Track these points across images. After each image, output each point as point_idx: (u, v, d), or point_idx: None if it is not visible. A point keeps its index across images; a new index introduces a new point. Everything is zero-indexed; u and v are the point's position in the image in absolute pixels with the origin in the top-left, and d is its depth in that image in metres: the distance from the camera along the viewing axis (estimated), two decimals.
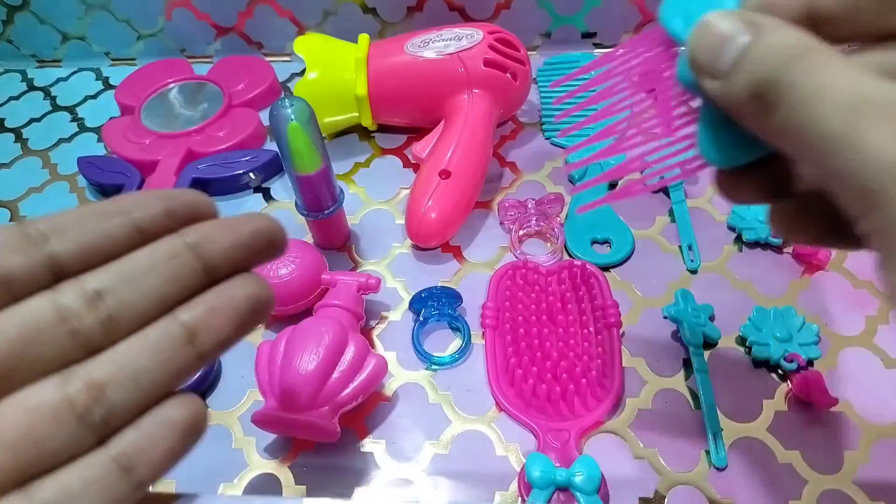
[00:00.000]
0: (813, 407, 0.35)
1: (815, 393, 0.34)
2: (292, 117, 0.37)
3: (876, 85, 0.15)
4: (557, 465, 0.33)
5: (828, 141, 0.15)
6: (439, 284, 0.42)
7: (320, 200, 0.41)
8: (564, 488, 0.32)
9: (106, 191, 0.51)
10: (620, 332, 0.38)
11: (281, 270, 0.39)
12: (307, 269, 0.39)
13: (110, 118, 0.56)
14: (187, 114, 0.54)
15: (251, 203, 0.49)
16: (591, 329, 0.38)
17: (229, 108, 0.54)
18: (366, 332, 0.40)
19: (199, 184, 0.49)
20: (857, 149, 0.14)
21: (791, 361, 0.36)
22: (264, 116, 0.53)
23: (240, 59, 0.59)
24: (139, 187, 0.48)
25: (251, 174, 0.50)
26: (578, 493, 0.31)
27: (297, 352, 0.34)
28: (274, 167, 0.50)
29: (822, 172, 0.16)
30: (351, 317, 0.37)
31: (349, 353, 0.35)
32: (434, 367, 0.39)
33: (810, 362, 0.37)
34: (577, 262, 0.41)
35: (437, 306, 0.40)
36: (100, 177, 0.50)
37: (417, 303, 0.41)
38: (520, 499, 0.33)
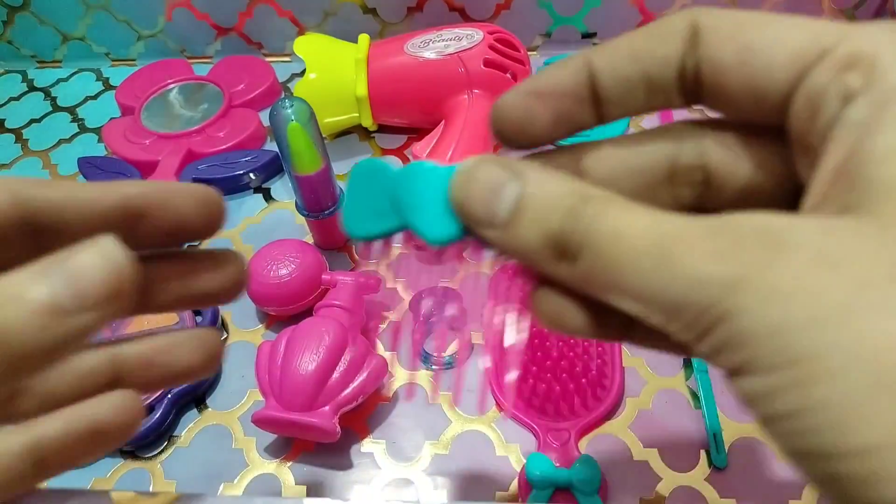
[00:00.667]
0: None
1: None
2: (292, 118, 0.37)
3: (668, 218, 0.15)
4: (557, 465, 0.33)
5: (645, 279, 0.14)
6: (439, 284, 0.42)
7: (320, 201, 0.41)
8: (564, 488, 0.32)
9: None
10: None
11: (281, 271, 0.39)
12: (307, 269, 0.39)
13: (110, 119, 0.56)
14: (187, 114, 0.54)
15: (251, 203, 0.49)
16: None
17: (229, 109, 0.54)
18: (366, 332, 0.40)
19: (200, 184, 0.49)
20: (685, 278, 0.14)
21: None
22: (264, 117, 0.53)
23: (240, 59, 0.58)
24: None
25: (251, 174, 0.50)
26: (578, 493, 0.31)
27: (297, 352, 0.34)
28: (274, 167, 0.50)
29: (642, 308, 0.15)
30: (351, 317, 0.37)
31: (349, 354, 0.35)
32: (434, 367, 0.39)
33: None
34: None
35: (437, 306, 0.40)
36: (100, 177, 0.50)
37: (418, 303, 0.41)
38: (520, 499, 0.33)
